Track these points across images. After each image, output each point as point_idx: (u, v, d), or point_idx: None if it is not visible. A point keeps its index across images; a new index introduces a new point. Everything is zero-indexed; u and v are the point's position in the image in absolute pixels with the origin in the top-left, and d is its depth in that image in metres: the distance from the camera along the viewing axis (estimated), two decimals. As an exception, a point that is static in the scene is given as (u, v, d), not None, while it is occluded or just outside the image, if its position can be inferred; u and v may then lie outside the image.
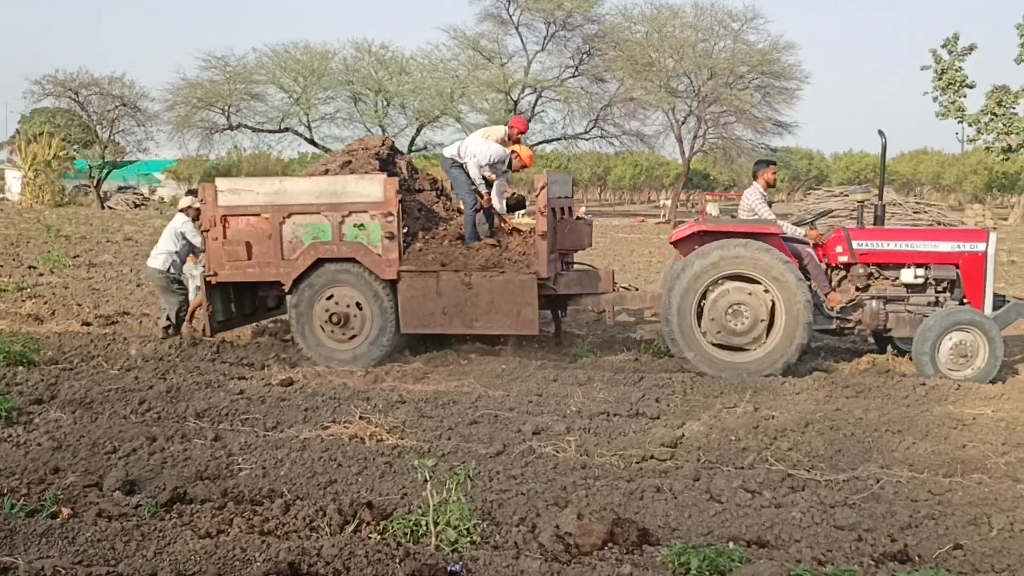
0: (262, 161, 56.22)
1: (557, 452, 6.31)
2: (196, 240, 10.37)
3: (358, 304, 9.50)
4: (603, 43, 40.87)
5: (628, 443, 6.56)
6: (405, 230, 9.60)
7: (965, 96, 43.40)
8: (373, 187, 9.36)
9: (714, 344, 8.99)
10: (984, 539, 4.81)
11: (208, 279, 9.61)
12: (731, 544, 4.76)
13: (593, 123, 43.39)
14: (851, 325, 9.35)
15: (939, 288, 9.30)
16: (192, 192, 11.20)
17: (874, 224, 9.88)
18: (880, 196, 10.24)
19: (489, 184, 10.09)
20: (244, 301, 10.40)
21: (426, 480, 4.55)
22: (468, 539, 4.53)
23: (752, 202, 9.64)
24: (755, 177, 9.91)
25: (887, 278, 9.38)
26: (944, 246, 9.28)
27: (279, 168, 53.89)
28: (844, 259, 9.38)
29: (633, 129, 43.87)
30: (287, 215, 9.41)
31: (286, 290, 9.59)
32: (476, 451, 6.34)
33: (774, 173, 9.89)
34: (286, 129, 42.96)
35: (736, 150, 42.97)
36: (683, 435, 6.68)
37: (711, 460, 6.29)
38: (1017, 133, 43.18)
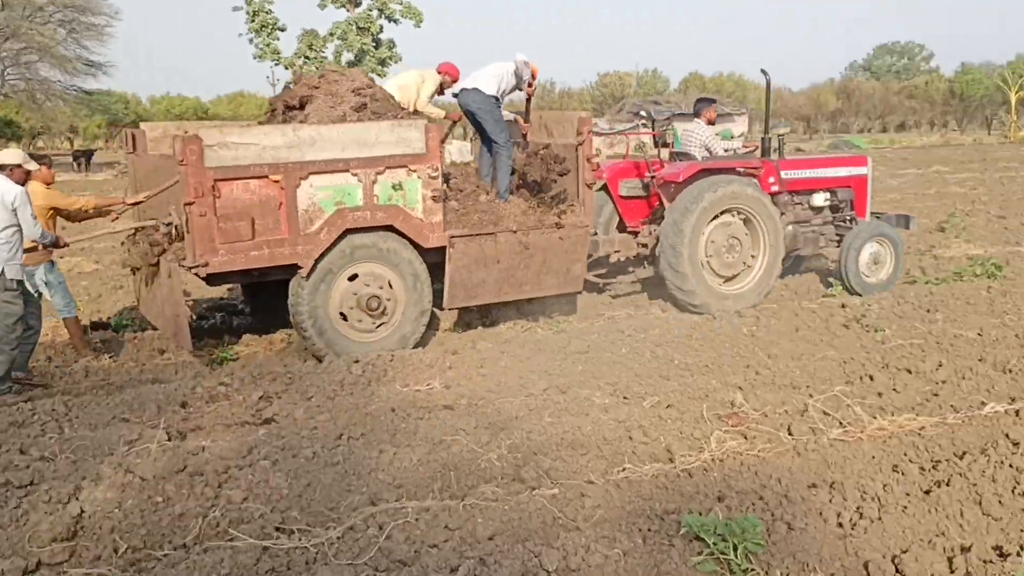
0: None
1: None
2: (29, 225, 7.03)
3: (389, 283, 7.90)
4: None
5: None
6: None
7: (279, 39, 44.02)
8: (412, 135, 7.70)
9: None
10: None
11: (193, 271, 7.16)
12: None
13: None
14: None
15: (835, 209, 10.58)
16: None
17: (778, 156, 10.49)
18: (765, 129, 10.72)
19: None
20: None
21: None
22: None
23: (706, 139, 9.93)
24: (697, 115, 10.11)
25: (799, 203, 10.39)
26: (842, 171, 10.59)
27: None
28: (775, 189, 10.01)
29: None
30: (304, 175, 7.31)
31: (304, 274, 7.50)
32: None
33: (715, 112, 10.22)
34: None
35: (44, 93, 37.90)
36: (82, 514, 4.35)
37: (135, 547, 4.12)
38: (329, 76, 45.13)
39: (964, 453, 4.95)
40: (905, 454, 5.10)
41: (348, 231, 7.60)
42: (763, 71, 10.36)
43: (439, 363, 7.27)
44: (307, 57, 44.59)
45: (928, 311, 8.57)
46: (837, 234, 10.51)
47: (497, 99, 8.86)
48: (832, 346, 7.53)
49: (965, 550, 4.00)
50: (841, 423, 5.53)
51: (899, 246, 10.25)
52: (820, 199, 10.41)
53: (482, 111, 8.82)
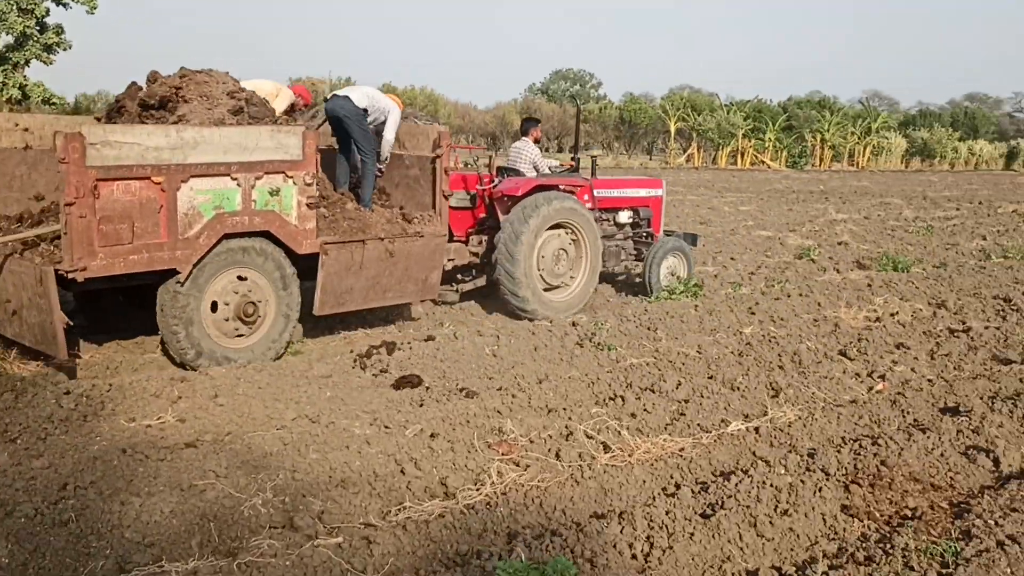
0: None
1: None
2: None
3: (262, 289, 7.75)
4: None
5: None
6: None
7: None
8: (290, 141, 7.66)
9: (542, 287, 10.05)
10: None
11: (70, 276, 6.59)
12: None
13: None
14: None
15: (635, 226, 11.64)
16: None
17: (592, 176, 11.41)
18: (575, 151, 11.60)
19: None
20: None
21: None
22: None
23: (534, 157, 10.69)
24: (525, 134, 10.83)
25: (606, 220, 11.29)
26: (643, 192, 11.74)
27: None
28: (590, 206, 10.80)
29: None
30: (185, 178, 7.05)
31: (182, 279, 7.19)
32: None
33: (540, 131, 10.97)
34: None
35: None
36: None
37: None
38: None
39: (726, 473, 5.19)
40: (671, 476, 5.26)
41: (225, 236, 7.42)
42: (574, 98, 12.56)
43: (166, 392, 6.50)
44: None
45: (649, 329, 9.05)
46: (636, 248, 11.58)
47: (365, 111, 9.10)
48: (573, 365, 7.70)
49: (751, 574, 4.15)
50: (607, 447, 5.60)
51: (691, 259, 11.69)
52: (624, 216, 11.50)
53: (350, 119, 9.01)
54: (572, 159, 11.44)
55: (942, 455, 5.41)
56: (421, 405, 6.51)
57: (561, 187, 10.38)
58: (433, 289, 9.25)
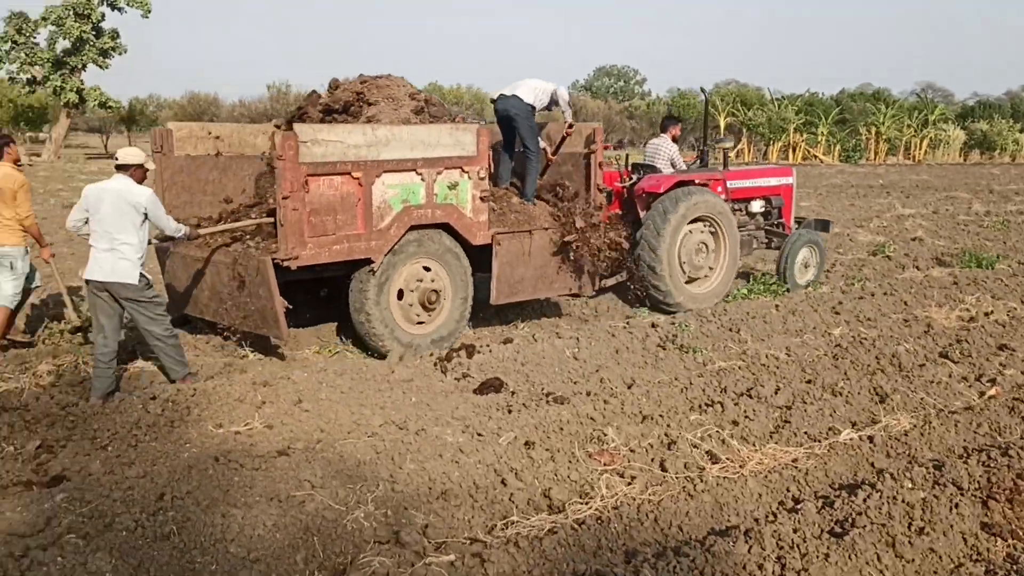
0: None
1: None
2: (166, 223, 6.81)
3: (441, 278, 8.24)
4: None
5: None
6: None
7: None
8: (467, 138, 8.13)
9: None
10: None
11: (284, 264, 7.13)
12: None
13: None
14: None
15: (766, 215, 11.57)
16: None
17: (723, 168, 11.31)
18: (703, 142, 11.75)
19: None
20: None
21: None
22: None
23: (671, 154, 10.69)
24: (664, 131, 10.88)
25: (738, 210, 11.20)
26: (774, 180, 11.61)
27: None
28: (723, 198, 10.69)
29: None
30: (379, 173, 7.58)
31: (375, 268, 7.70)
32: None
33: (680, 129, 11.04)
34: None
35: None
36: None
37: None
38: (41, 64, 41.18)
39: (847, 486, 4.89)
40: (788, 489, 4.97)
41: (412, 227, 7.92)
42: (702, 89, 12.15)
43: (250, 397, 6.35)
44: (15, 42, 40.14)
45: (731, 330, 8.74)
46: (767, 238, 11.56)
47: (533, 108, 9.36)
48: (659, 369, 7.42)
49: (895, 598, 3.86)
50: (713, 456, 5.32)
51: (824, 252, 11.50)
52: (757, 206, 11.49)
53: (520, 117, 9.27)
54: (699, 152, 11.55)
55: (1077, 467, 5.06)
56: (510, 411, 6.28)
57: (696, 181, 10.44)
58: (593, 281, 9.51)
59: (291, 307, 7.45)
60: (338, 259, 7.54)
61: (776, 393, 6.53)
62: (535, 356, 7.63)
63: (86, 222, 6.58)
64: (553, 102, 9.59)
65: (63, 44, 40.45)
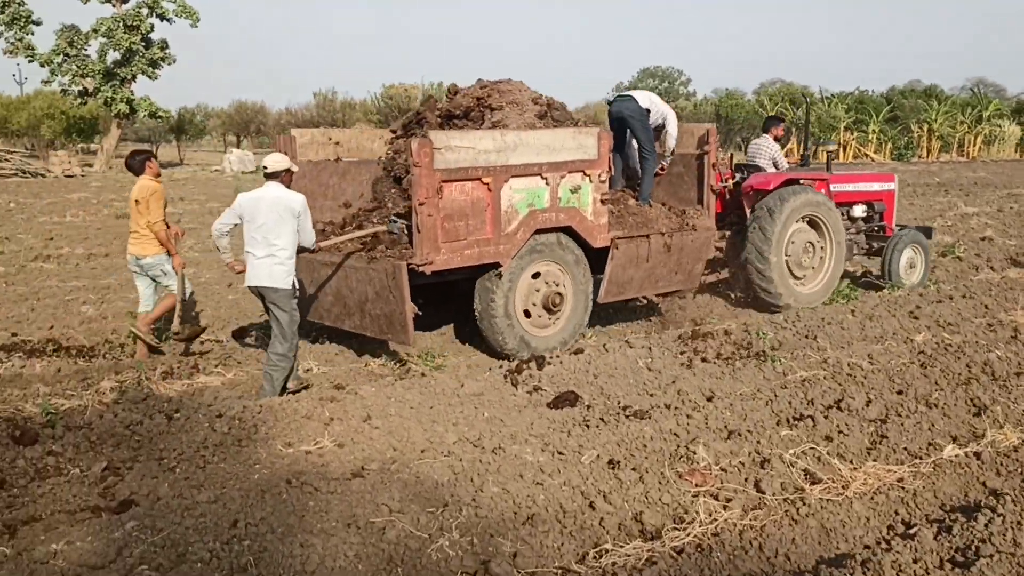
0: None
1: None
2: (310, 233, 6.96)
3: (563, 282, 8.33)
4: None
5: None
6: None
7: (32, 33, 40.27)
8: (589, 141, 8.22)
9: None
10: None
11: (420, 269, 7.22)
12: None
13: None
14: None
15: (867, 220, 11.38)
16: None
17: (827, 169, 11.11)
18: (805, 146, 11.87)
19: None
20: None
21: None
22: None
23: (774, 154, 10.65)
24: (766, 131, 10.86)
25: (841, 214, 10.80)
26: (877, 186, 11.47)
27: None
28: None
29: None
30: (507, 178, 7.69)
31: (502, 272, 7.83)
32: None
33: (783, 130, 10.90)
34: None
35: None
36: None
37: None
38: (92, 75, 41.69)
39: (962, 509, 4.55)
40: (896, 512, 4.64)
41: (537, 231, 8.01)
42: (803, 94, 13.43)
43: (318, 414, 6.15)
44: (67, 55, 40.71)
45: (808, 337, 8.38)
46: (868, 243, 11.45)
47: (648, 112, 9.38)
48: (738, 379, 7.10)
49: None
50: (811, 476, 5.00)
51: (928, 253, 11.30)
52: (859, 211, 11.36)
53: (635, 119, 9.33)
54: (802, 154, 11.47)
55: None
56: (587, 427, 6.01)
57: (802, 181, 10.36)
58: (697, 279, 9.60)
59: (420, 313, 7.38)
60: (468, 264, 7.60)
61: (868, 405, 6.19)
62: (607, 367, 7.35)
63: (230, 229, 6.83)
64: (660, 126, 9.62)
65: (113, 55, 40.90)
